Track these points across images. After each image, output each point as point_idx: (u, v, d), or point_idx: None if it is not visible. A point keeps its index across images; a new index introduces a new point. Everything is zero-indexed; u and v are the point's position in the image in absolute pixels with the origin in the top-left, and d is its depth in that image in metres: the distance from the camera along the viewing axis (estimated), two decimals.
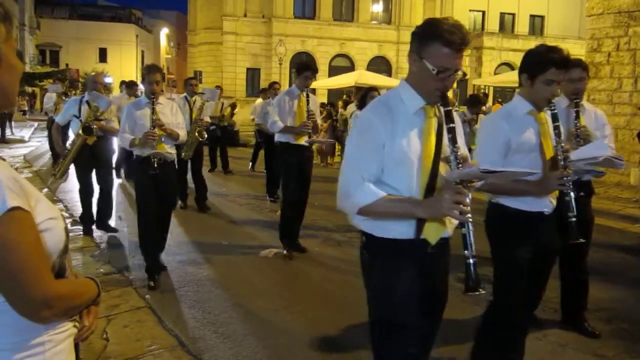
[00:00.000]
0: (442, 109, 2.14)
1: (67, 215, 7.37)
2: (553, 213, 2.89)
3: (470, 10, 33.82)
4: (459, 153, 2.05)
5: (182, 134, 5.13)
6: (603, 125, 3.90)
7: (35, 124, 24.27)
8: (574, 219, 2.88)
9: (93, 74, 6.85)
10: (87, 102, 6.29)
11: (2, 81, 1.28)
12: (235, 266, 5.52)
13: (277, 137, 5.91)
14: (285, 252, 5.84)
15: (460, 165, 2.03)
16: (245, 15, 32.66)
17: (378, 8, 33.43)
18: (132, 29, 49.33)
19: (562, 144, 2.80)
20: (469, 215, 1.94)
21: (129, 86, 10.39)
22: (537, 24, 35.19)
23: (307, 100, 5.77)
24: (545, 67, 2.69)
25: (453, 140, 2.07)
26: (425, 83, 2.10)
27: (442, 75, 2.06)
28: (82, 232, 6.47)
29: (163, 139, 4.89)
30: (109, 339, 3.75)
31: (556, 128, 2.84)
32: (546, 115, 2.86)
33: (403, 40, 33.10)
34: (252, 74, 32.89)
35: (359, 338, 3.73)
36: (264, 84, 32.00)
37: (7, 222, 1.17)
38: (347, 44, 31.91)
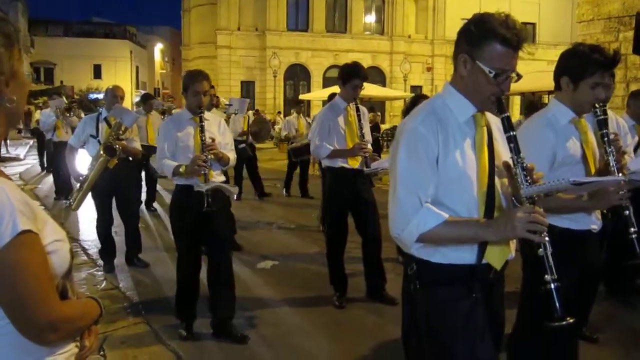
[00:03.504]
0: (496, 116, 1.94)
1: None
2: (599, 231, 2.65)
3: (462, 19, 33.78)
4: (525, 164, 1.84)
5: (232, 157, 4.10)
6: (625, 135, 3.73)
7: (31, 141, 24.22)
8: (634, 236, 2.59)
9: (111, 87, 5.79)
10: (106, 119, 5.53)
11: (15, 98, 1.30)
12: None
13: (326, 162, 4.83)
14: (335, 300, 4.75)
15: (528, 178, 1.81)
16: (239, 29, 32.86)
17: (371, 19, 33.68)
18: (127, 45, 49.49)
19: (614, 153, 2.56)
20: (546, 234, 1.78)
21: (143, 100, 8.59)
22: (529, 31, 35.42)
23: (358, 115, 4.69)
24: (591, 69, 2.46)
25: (516, 150, 1.85)
26: (479, 88, 1.90)
27: (500, 78, 1.86)
28: (102, 271, 5.65)
29: (212, 165, 3.89)
30: (106, 356, 3.70)
31: (604, 136, 2.58)
32: (586, 123, 2.64)
33: (396, 50, 33.32)
34: (247, 87, 33.05)
35: None
36: (258, 96, 32.22)
37: (18, 245, 1.17)
38: (341, 55, 32.07)
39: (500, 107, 1.92)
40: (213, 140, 3.88)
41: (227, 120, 7.29)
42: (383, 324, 4.30)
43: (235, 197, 4.22)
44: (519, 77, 1.92)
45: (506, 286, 2.14)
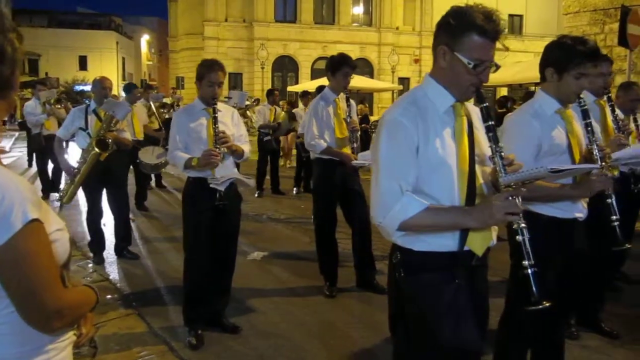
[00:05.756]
0: (474, 105, 2.00)
1: None
2: (585, 219, 2.70)
3: None
4: (503, 153, 1.88)
5: (247, 150, 3.97)
6: None
7: (16, 134, 23.96)
8: (616, 223, 2.66)
9: (98, 78, 5.71)
10: (95, 111, 5.47)
11: (17, 87, 1.32)
12: None
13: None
14: (325, 289, 4.80)
15: (505, 166, 1.86)
16: (226, 20, 32.66)
17: (359, 10, 33.65)
18: (113, 36, 49.01)
19: (597, 142, 2.61)
20: (522, 221, 1.84)
21: (127, 90, 8.10)
22: (516, 23, 35.62)
23: (348, 105, 4.72)
24: (575, 60, 2.51)
25: (495, 139, 1.89)
26: (458, 78, 1.94)
27: (479, 68, 1.90)
28: (92, 263, 5.63)
29: (225, 158, 3.80)
30: (98, 347, 3.73)
31: (588, 125, 2.63)
32: (572, 113, 2.69)
33: (384, 42, 33.33)
34: (235, 79, 32.89)
35: None
36: (246, 88, 32.09)
37: (28, 234, 1.18)
38: (329, 46, 32.02)
39: (480, 97, 1.96)
40: (224, 133, 3.76)
41: (244, 114, 6.96)
42: (373, 312, 4.36)
43: (256, 194, 4.07)
44: (497, 67, 1.97)
45: (495, 275, 2.18)
